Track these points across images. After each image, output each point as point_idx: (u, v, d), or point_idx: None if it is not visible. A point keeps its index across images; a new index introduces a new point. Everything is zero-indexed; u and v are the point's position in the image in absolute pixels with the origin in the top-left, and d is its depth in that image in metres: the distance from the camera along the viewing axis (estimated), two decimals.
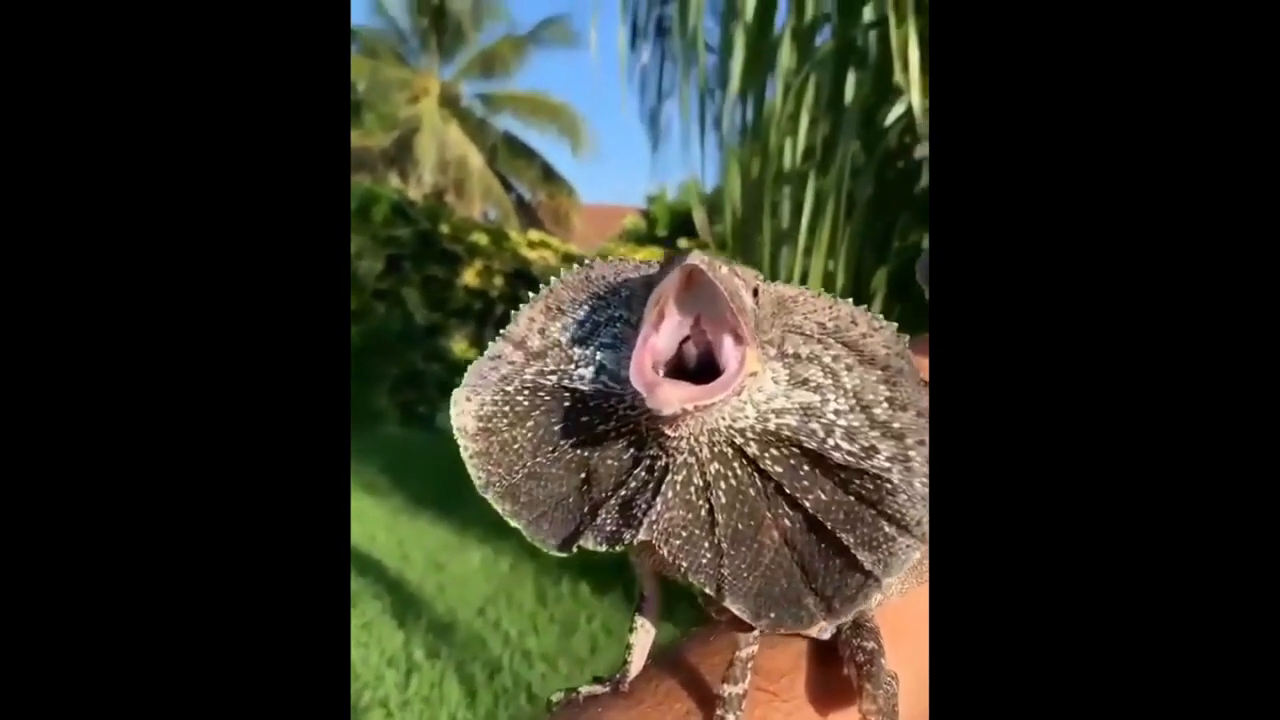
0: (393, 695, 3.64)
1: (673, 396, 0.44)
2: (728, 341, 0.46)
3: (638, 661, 0.56)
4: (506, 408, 0.51)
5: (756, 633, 0.50)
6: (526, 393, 0.51)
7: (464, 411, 0.52)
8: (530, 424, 0.51)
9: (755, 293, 0.48)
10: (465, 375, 0.52)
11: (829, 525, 0.47)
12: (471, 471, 0.51)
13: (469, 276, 10.74)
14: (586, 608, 4.62)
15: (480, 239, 10.94)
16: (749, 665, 0.50)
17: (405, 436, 9.23)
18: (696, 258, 0.44)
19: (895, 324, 0.51)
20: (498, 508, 0.51)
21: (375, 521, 6.07)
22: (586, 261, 0.56)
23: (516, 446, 0.51)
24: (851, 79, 2.60)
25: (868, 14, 2.68)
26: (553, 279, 0.54)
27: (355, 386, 9.80)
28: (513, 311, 0.54)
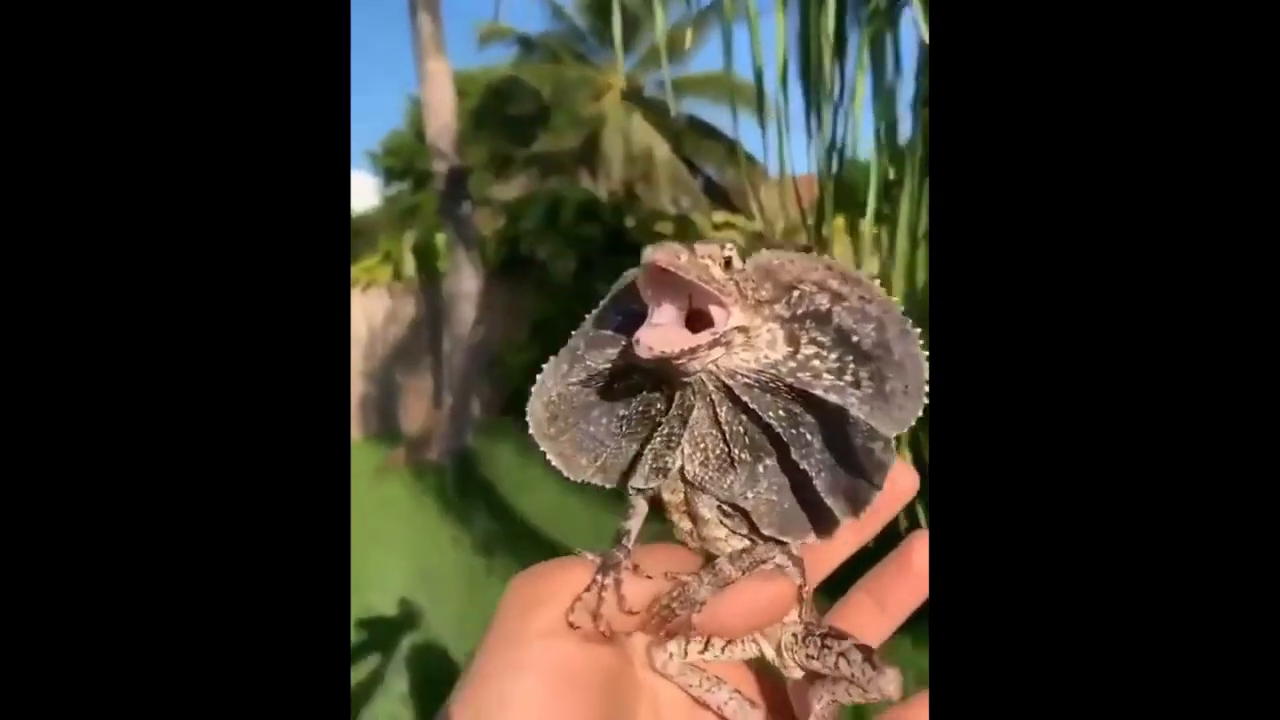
0: None
1: (649, 340, 0.52)
2: (713, 308, 0.54)
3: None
4: (567, 396, 0.61)
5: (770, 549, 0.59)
6: (577, 384, 0.60)
7: (534, 410, 0.61)
8: (585, 401, 0.61)
9: (728, 263, 0.55)
10: (535, 385, 0.61)
11: (802, 464, 0.56)
12: (552, 459, 0.61)
13: None
14: None
15: (666, 228, 11.03)
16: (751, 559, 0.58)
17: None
18: (651, 255, 0.52)
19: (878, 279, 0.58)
20: (567, 471, 0.61)
21: (580, 520, 6.27)
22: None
23: (578, 422, 0.61)
24: None
25: None
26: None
27: None
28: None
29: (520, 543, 5.77)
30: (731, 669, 0.62)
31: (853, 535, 0.62)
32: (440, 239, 11.05)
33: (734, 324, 0.54)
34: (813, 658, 0.60)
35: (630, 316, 0.58)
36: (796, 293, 0.57)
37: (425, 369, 11.00)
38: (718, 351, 0.55)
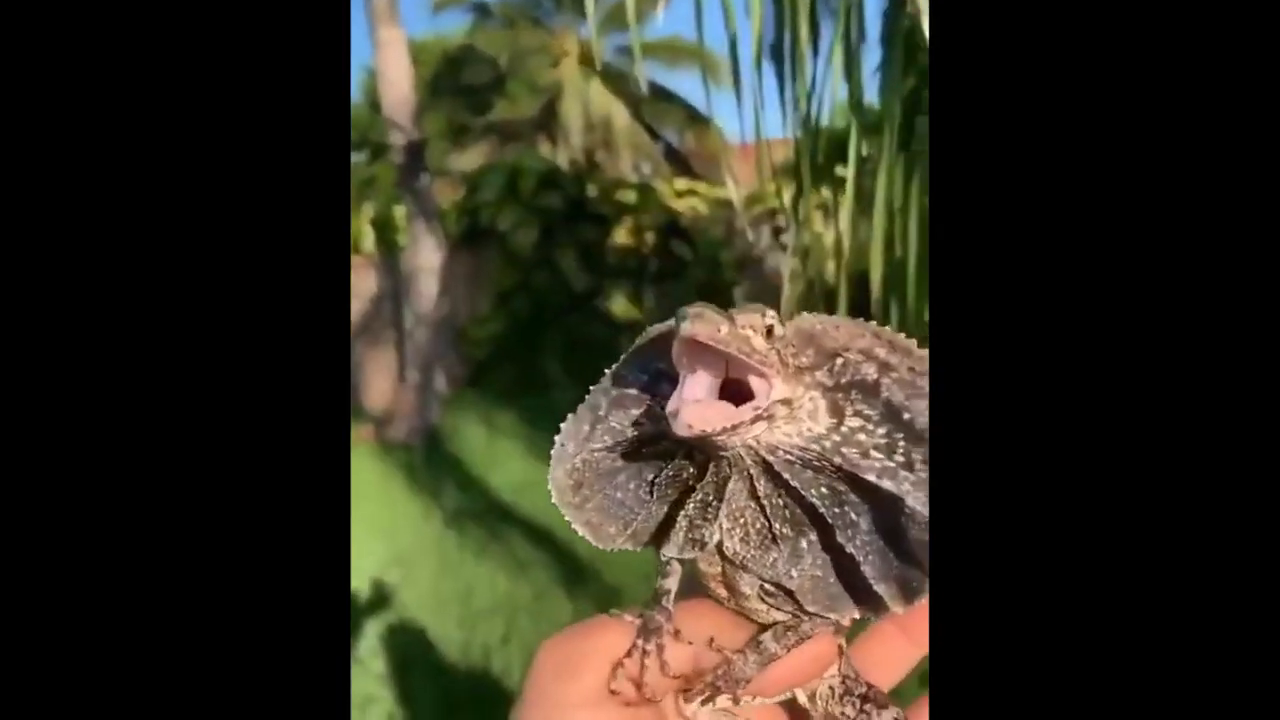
0: None
1: (689, 418, 0.49)
2: (753, 379, 0.51)
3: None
4: (592, 462, 0.58)
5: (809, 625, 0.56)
6: (602, 449, 0.57)
7: (556, 478, 0.59)
8: (611, 467, 0.58)
9: (770, 331, 0.52)
10: (554, 449, 0.59)
11: (848, 547, 0.52)
12: (578, 528, 0.58)
13: (620, 236, 10.79)
14: None
15: (628, 196, 10.94)
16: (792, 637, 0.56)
17: (576, 401, 9.43)
18: (689, 329, 0.49)
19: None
20: (595, 540, 0.58)
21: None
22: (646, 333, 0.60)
23: (604, 489, 0.58)
24: None
25: None
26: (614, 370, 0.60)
27: (525, 356, 10.12)
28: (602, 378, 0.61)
29: (492, 518, 5.75)
30: (760, 711, 0.60)
31: (908, 650, 0.61)
32: (399, 211, 10.87)
33: (776, 397, 0.51)
34: (848, 717, 0.58)
35: (655, 375, 0.56)
36: (840, 360, 0.53)
37: (388, 344, 10.87)
38: (759, 426, 0.51)
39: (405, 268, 9.61)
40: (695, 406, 0.50)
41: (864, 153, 1.95)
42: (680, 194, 11.33)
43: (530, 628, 4.14)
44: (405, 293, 9.59)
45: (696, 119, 17.92)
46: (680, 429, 0.49)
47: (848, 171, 1.91)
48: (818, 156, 2.02)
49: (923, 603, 0.58)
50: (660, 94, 18.07)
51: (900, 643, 0.61)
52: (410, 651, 3.97)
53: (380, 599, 4.49)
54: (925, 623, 0.59)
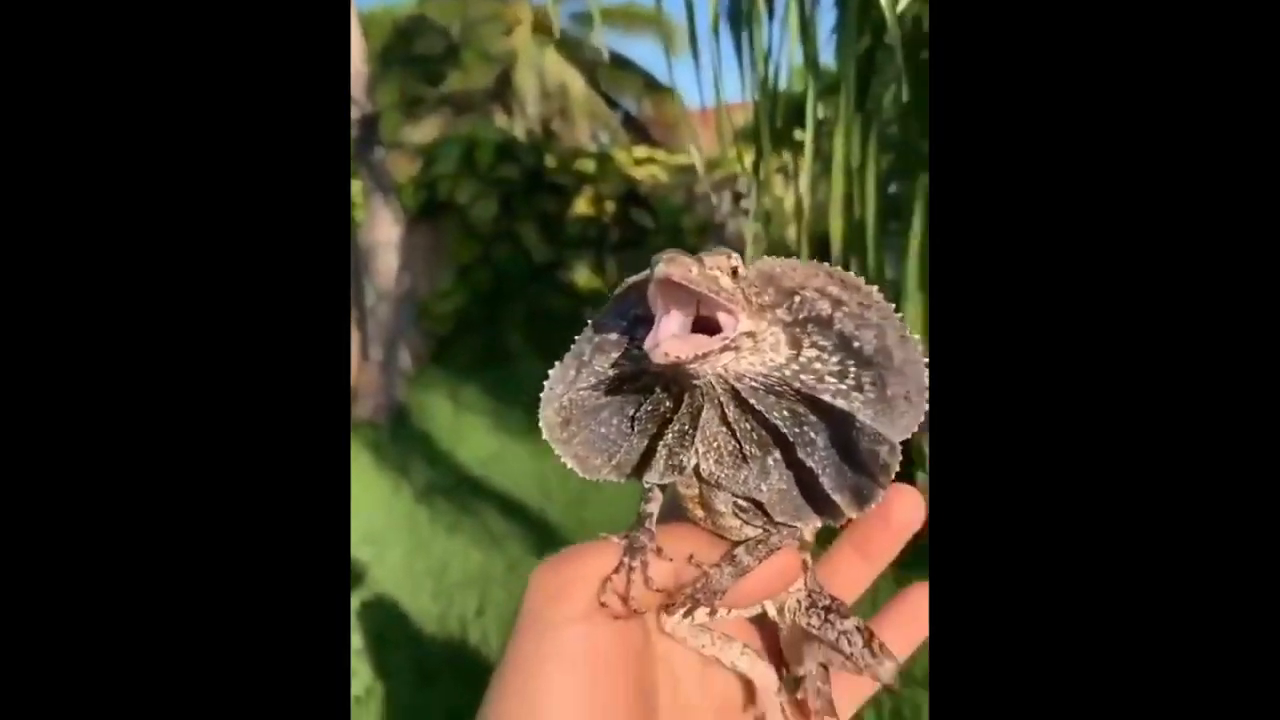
0: None
1: (665, 346, 0.54)
2: (721, 315, 0.56)
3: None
4: (578, 401, 0.63)
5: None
6: (586, 388, 0.63)
7: (546, 416, 0.64)
8: (595, 404, 0.63)
9: (735, 272, 0.57)
10: (544, 392, 0.64)
11: (808, 462, 0.58)
12: (568, 460, 0.64)
13: (580, 206, 10.73)
14: None
15: (586, 166, 10.87)
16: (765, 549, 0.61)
17: (540, 374, 9.42)
18: (663, 270, 0.54)
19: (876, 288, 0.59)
20: (582, 471, 0.64)
21: (520, 463, 6.27)
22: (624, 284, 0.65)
23: (589, 424, 0.64)
24: None
25: None
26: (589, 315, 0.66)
27: (488, 330, 10.06)
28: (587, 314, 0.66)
29: (462, 493, 5.75)
30: (734, 624, 0.66)
31: (863, 569, 0.67)
32: (355, 186, 10.72)
33: (742, 329, 0.57)
34: (814, 627, 0.64)
35: (633, 321, 0.62)
36: (798, 298, 0.59)
37: (349, 322, 10.75)
38: (727, 356, 0.57)
39: (363, 243, 9.50)
40: (671, 339, 0.55)
41: (821, 115, 1.97)
42: (639, 162, 11.28)
43: (505, 599, 4.16)
44: (365, 269, 9.49)
45: (654, 86, 17.80)
46: (658, 358, 0.54)
47: (806, 134, 1.92)
48: (776, 120, 2.04)
49: (876, 522, 0.65)
50: (617, 61, 17.91)
51: (856, 561, 0.67)
52: (386, 626, 3.98)
53: (354, 576, 4.48)
54: (880, 543, 0.66)
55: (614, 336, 0.62)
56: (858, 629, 0.63)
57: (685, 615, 0.62)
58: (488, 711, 0.55)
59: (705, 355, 0.55)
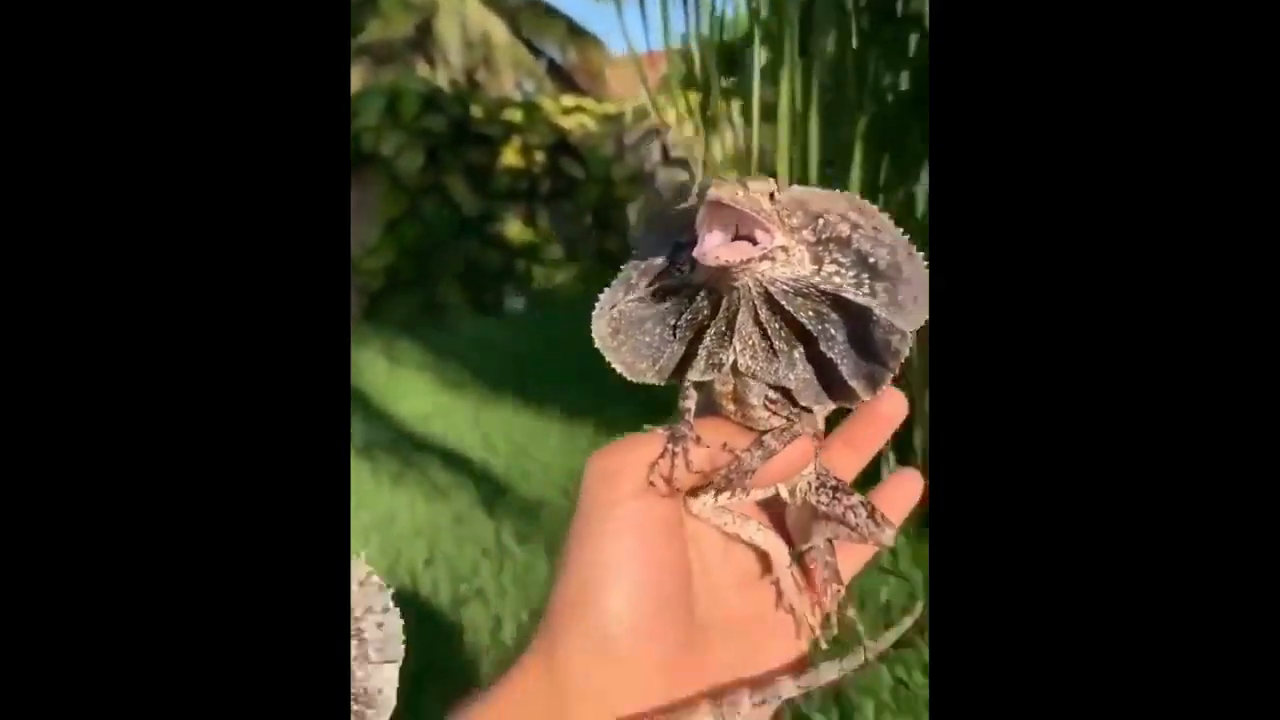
0: (489, 585, 3.84)
1: (716, 251, 0.63)
2: (758, 232, 0.64)
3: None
4: (626, 312, 0.72)
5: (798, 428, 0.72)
6: (634, 300, 0.72)
7: (598, 328, 0.72)
8: (640, 315, 0.72)
9: (771, 196, 0.66)
10: (595, 310, 0.73)
11: (829, 354, 0.68)
12: (617, 366, 0.72)
13: (509, 157, 10.60)
14: None
15: (513, 115, 10.72)
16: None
17: (476, 328, 9.41)
18: (716, 193, 0.62)
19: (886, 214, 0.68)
20: (629, 375, 0.72)
21: (461, 417, 6.27)
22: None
23: (634, 334, 0.72)
24: None
25: None
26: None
27: (421, 285, 9.93)
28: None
29: (403, 447, 5.75)
30: (748, 506, 0.78)
31: (853, 459, 0.79)
32: None
33: (777, 244, 0.66)
34: (823, 504, 0.75)
35: (673, 248, 0.71)
36: (822, 221, 0.68)
37: None
38: (764, 264, 0.66)
39: None
40: (721, 246, 0.64)
41: (763, 60, 2.01)
42: (568, 111, 11.16)
43: (453, 548, 4.21)
44: None
45: (578, 32, 17.52)
46: (711, 261, 0.63)
47: (750, 80, 1.97)
48: (717, 67, 2.08)
49: (865, 417, 0.78)
50: (539, 8, 17.55)
51: (847, 453, 0.79)
52: None
53: None
54: (868, 435, 0.79)
55: (657, 261, 0.72)
56: (861, 503, 0.74)
57: (718, 496, 0.72)
58: (560, 584, 0.65)
59: (748, 260, 0.64)
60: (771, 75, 1.89)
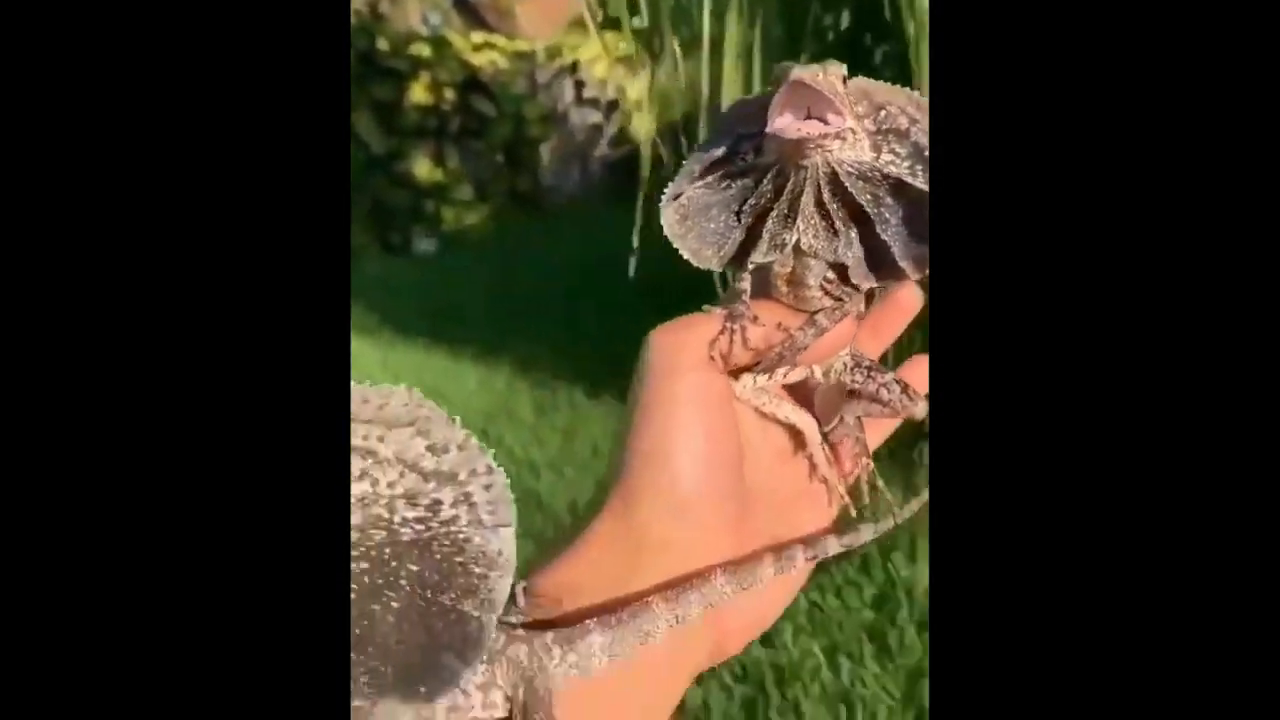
0: None
1: (791, 125, 0.67)
2: (829, 114, 0.68)
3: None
4: (693, 198, 0.76)
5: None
6: (702, 187, 0.76)
7: (666, 216, 0.76)
8: (706, 203, 0.76)
9: (844, 80, 0.70)
10: (663, 201, 0.77)
11: (883, 236, 0.73)
12: (685, 253, 0.77)
13: (417, 93, 10.29)
14: (583, 414, 4.76)
15: (421, 50, 10.38)
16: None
17: (385, 268, 9.18)
18: (797, 74, 0.66)
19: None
20: (696, 261, 0.77)
21: (371, 361, 6.15)
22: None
23: (700, 221, 0.76)
24: None
25: None
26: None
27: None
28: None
29: None
30: (778, 390, 0.82)
31: (875, 344, 0.84)
32: None
33: (848, 125, 0.69)
34: (858, 382, 0.80)
35: (736, 139, 0.75)
36: (884, 112, 0.72)
37: None
38: (834, 144, 0.70)
39: None
40: (795, 122, 0.68)
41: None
42: (478, 48, 10.87)
43: None
44: None
45: None
46: (790, 134, 0.67)
47: (702, 15, 1.97)
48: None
49: (886, 306, 0.82)
50: None
51: (869, 339, 0.84)
52: None
53: None
54: (889, 323, 0.83)
55: (720, 151, 0.75)
56: (895, 380, 0.80)
57: (771, 374, 0.77)
58: (631, 447, 0.69)
59: (824, 136, 0.68)
60: (716, 10, 1.89)
